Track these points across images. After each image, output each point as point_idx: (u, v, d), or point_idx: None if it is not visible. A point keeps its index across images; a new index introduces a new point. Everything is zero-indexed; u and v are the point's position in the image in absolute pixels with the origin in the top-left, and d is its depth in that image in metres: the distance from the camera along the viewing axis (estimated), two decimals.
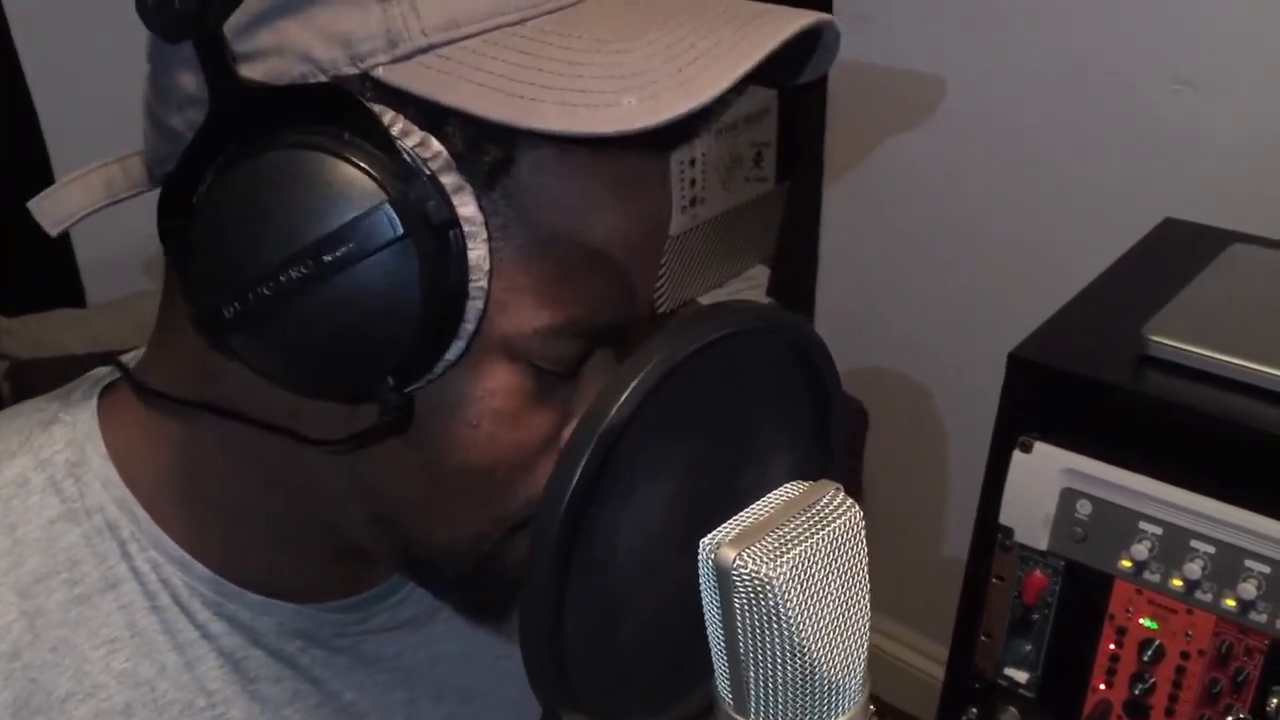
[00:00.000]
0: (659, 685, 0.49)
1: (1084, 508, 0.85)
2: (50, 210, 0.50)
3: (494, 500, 0.50)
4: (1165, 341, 0.85)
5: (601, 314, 0.49)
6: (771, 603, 0.36)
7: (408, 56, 0.43)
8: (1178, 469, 0.81)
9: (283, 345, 0.44)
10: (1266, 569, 0.78)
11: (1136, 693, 0.85)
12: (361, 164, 0.42)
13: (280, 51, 0.44)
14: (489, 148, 0.44)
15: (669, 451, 0.45)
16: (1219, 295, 0.93)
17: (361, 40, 0.43)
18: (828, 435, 0.52)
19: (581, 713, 0.45)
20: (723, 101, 0.51)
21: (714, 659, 0.39)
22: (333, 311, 0.43)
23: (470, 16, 0.44)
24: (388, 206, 0.42)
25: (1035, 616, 0.90)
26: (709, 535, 0.37)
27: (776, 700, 0.38)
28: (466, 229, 0.44)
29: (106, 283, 1.85)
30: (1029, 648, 0.91)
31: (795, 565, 0.36)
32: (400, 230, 0.42)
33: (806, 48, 0.48)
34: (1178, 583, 0.82)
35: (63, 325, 1.77)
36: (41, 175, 1.75)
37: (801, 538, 0.37)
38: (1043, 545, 0.88)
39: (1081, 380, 0.87)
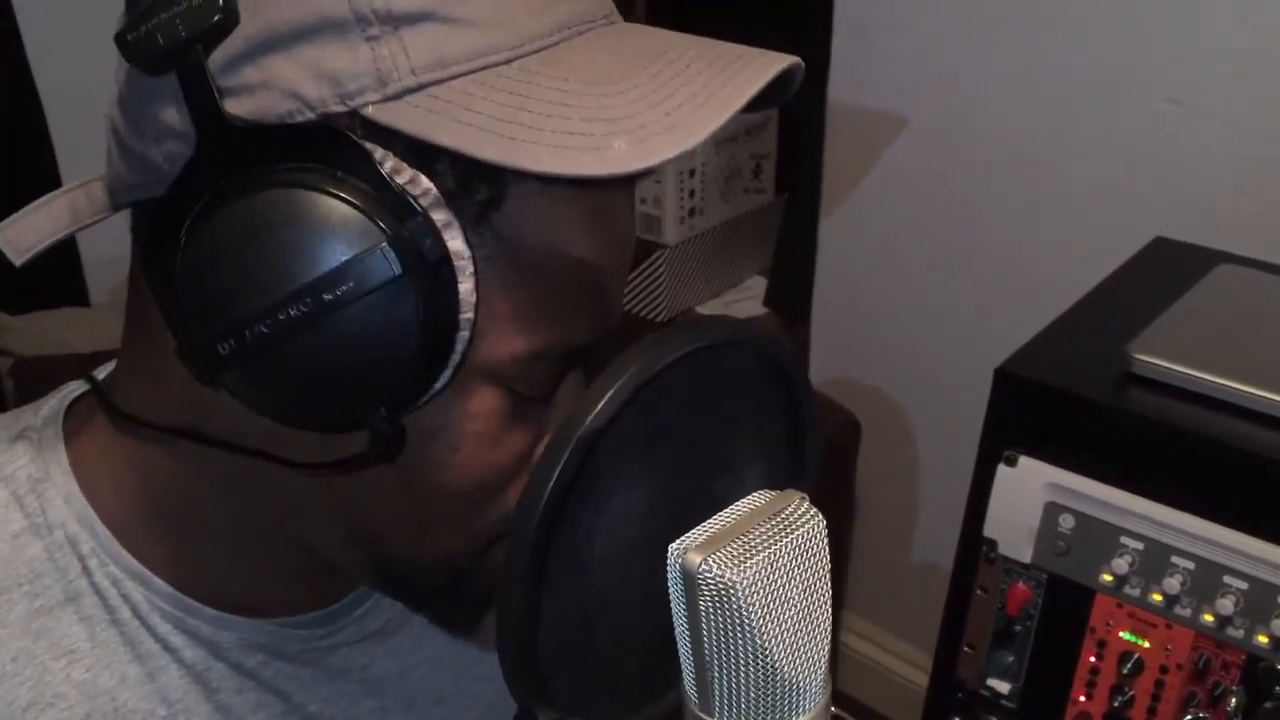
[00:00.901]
0: (633, 685, 0.50)
1: (1067, 522, 0.86)
2: (15, 240, 0.49)
3: (471, 518, 0.51)
4: (1150, 360, 0.86)
5: (576, 336, 0.50)
6: (735, 606, 0.37)
7: (397, 96, 0.44)
8: (1160, 485, 0.82)
9: (278, 381, 0.45)
10: (1244, 585, 0.79)
11: (1116, 705, 0.86)
12: (358, 203, 0.43)
13: (266, 87, 0.44)
14: (480, 186, 0.45)
15: (645, 460, 0.46)
16: (1204, 315, 0.94)
17: (350, 78, 0.43)
18: (801, 447, 0.53)
19: (556, 710, 0.46)
20: None
21: (681, 660, 0.40)
22: (330, 349, 0.43)
23: (458, 56, 0.44)
24: (385, 246, 0.42)
25: (1018, 628, 0.90)
26: (677, 541, 0.39)
27: (740, 700, 0.39)
28: (456, 264, 0.44)
29: (110, 282, 1.87)
30: (1011, 659, 0.92)
31: (759, 571, 0.37)
32: (398, 269, 0.42)
33: (775, 85, 0.50)
34: (1157, 597, 0.83)
35: (66, 323, 1.78)
36: (49, 180, 1.77)
37: (765, 544, 0.38)
38: (1026, 558, 0.88)
39: (1066, 396, 0.88)
